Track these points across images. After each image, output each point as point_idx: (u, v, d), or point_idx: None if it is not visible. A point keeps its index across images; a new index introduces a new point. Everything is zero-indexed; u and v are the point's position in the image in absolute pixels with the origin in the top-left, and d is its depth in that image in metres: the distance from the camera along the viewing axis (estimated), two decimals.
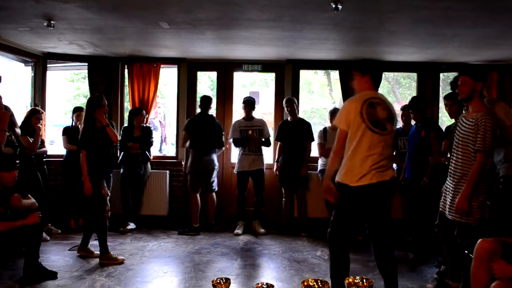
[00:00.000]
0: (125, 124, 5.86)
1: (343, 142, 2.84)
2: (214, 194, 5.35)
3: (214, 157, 5.25)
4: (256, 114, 5.60)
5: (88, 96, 6.21)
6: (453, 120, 3.91)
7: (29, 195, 3.66)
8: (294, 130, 5.19)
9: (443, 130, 4.28)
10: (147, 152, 5.42)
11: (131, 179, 5.35)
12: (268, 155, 5.79)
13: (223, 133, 5.43)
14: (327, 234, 3.01)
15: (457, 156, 2.91)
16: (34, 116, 4.82)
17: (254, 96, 5.97)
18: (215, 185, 5.31)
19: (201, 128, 5.14)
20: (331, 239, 2.92)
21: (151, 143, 5.52)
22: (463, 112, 3.16)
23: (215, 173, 5.28)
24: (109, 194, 4.21)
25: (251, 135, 5.24)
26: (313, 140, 5.24)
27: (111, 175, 4.23)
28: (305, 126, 5.23)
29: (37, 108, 5.14)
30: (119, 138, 5.02)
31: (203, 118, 5.20)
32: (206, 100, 5.25)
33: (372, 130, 2.74)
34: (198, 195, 5.26)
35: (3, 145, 3.97)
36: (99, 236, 4.02)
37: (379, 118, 2.77)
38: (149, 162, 5.55)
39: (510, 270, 2.20)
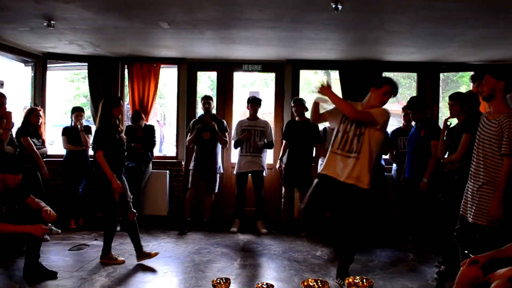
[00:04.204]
0: (125, 124, 5.87)
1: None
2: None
3: None
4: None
5: (88, 96, 6.23)
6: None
7: (32, 196, 3.67)
8: (301, 130, 5.17)
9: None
10: (149, 153, 5.43)
11: (132, 180, 5.31)
12: (269, 155, 5.79)
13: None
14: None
15: (478, 158, 2.81)
16: (33, 113, 4.83)
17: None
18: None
19: None
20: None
21: (154, 143, 5.53)
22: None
23: None
24: (131, 195, 4.16)
25: (243, 138, 5.28)
26: (321, 141, 5.17)
27: (123, 175, 4.13)
28: (313, 127, 5.13)
29: (35, 106, 5.15)
30: None
31: None
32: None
33: None
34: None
35: (5, 144, 3.98)
36: (105, 236, 4.02)
37: None
38: (151, 162, 5.55)
39: (507, 272, 2.20)
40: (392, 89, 3.36)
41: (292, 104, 5.31)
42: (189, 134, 5.40)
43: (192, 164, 5.41)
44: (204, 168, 5.32)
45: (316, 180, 3.46)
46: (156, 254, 4.10)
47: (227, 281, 2.89)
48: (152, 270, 3.87)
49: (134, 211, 4.15)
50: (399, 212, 5.02)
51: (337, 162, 3.34)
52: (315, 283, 2.84)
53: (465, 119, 3.74)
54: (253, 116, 5.39)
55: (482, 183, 2.76)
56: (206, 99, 5.32)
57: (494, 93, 2.75)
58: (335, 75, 9.62)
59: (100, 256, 4.03)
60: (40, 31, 4.48)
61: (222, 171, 5.52)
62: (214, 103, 5.44)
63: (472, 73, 4.80)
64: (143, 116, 5.59)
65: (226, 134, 5.40)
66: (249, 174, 5.36)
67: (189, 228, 5.21)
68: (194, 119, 5.54)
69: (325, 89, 3.31)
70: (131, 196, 4.15)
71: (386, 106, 3.43)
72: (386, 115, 3.31)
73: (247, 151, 5.30)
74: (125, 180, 4.12)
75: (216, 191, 5.43)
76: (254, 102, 5.36)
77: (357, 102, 3.58)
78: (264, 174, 5.38)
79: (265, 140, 5.34)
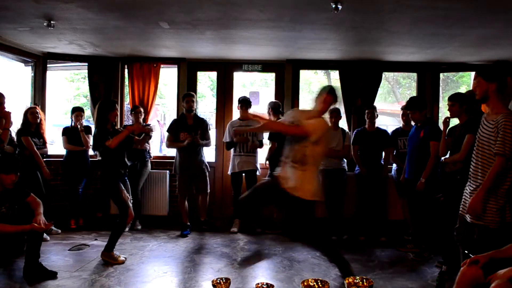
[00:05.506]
0: (125, 123, 5.86)
1: None
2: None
3: None
4: None
5: (88, 96, 6.23)
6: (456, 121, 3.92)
7: (32, 194, 3.68)
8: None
9: (442, 130, 4.27)
10: (146, 153, 5.41)
11: (129, 179, 5.25)
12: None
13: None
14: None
15: (477, 159, 2.80)
16: (29, 112, 4.84)
17: (254, 96, 5.96)
18: None
19: None
20: None
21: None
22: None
23: None
24: (129, 196, 4.18)
25: (237, 141, 5.25)
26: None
27: (126, 178, 4.14)
28: None
29: (33, 106, 5.15)
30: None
31: None
32: None
33: None
34: None
35: (5, 144, 3.98)
36: (113, 234, 4.02)
37: None
38: (149, 161, 5.54)
39: (507, 272, 2.20)
40: (332, 98, 3.41)
41: None
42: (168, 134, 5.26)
43: (177, 169, 5.22)
44: (191, 171, 5.16)
45: (266, 180, 3.58)
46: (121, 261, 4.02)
47: (227, 281, 2.90)
48: (152, 270, 3.87)
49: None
50: (399, 212, 5.02)
51: (286, 170, 3.43)
52: (315, 283, 2.84)
53: (467, 120, 3.73)
54: (244, 116, 5.38)
55: (480, 183, 2.75)
56: (190, 97, 5.22)
57: (487, 95, 2.73)
58: (335, 75, 9.63)
59: (102, 251, 4.02)
60: (40, 31, 4.48)
61: (209, 170, 5.35)
62: (196, 102, 5.33)
63: (473, 73, 4.82)
64: (141, 110, 5.51)
65: (209, 134, 5.30)
66: (243, 174, 5.36)
67: (189, 232, 5.15)
68: (175, 118, 5.41)
69: (261, 122, 3.48)
70: (130, 198, 4.16)
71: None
72: (322, 129, 3.36)
73: (241, 151, 5.28)
74: (127, 181, 4.14)
75: (209, 191, 5.35)
76: (243, 104, 5.29)
77: (296, 108, 3.64)
78: (257, 173, 5.38)
79: (257, 141, 5.34)
